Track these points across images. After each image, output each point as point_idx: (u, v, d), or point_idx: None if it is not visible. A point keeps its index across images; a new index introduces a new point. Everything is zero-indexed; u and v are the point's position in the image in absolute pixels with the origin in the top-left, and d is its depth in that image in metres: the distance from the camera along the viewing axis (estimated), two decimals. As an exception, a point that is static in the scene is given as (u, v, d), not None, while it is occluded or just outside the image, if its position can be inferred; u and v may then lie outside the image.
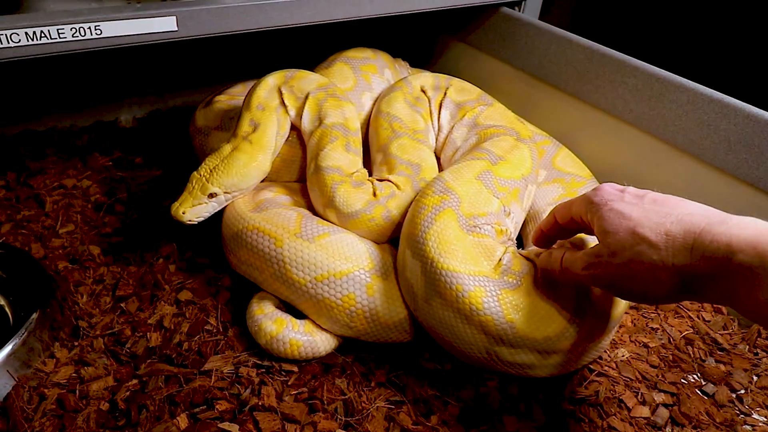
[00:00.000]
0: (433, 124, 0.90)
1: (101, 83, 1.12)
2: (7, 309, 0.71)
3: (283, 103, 0.80)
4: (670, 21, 1.49)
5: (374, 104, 0.91)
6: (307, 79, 0.82)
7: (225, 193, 0.74)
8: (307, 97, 0.80)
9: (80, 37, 0.63)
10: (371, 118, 0.88)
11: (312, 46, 1.05)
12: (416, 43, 1.27)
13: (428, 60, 1.26)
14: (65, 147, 1.05)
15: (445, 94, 0.90)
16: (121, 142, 1.08)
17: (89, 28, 0.63)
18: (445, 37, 1.21)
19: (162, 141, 1.09)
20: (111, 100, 1.15)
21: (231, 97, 0.94)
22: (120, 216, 0.89)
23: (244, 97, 0.81)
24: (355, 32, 1.06)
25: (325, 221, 0.74)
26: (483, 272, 0.63)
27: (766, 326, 0.55)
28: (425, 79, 0.92)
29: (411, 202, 0.74)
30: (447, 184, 0.71)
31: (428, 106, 0.89)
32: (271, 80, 0.81)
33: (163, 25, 0.68)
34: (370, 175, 0.83)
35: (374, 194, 0.76)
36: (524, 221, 0.83)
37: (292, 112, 0.81)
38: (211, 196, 0.73)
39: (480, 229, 0.68)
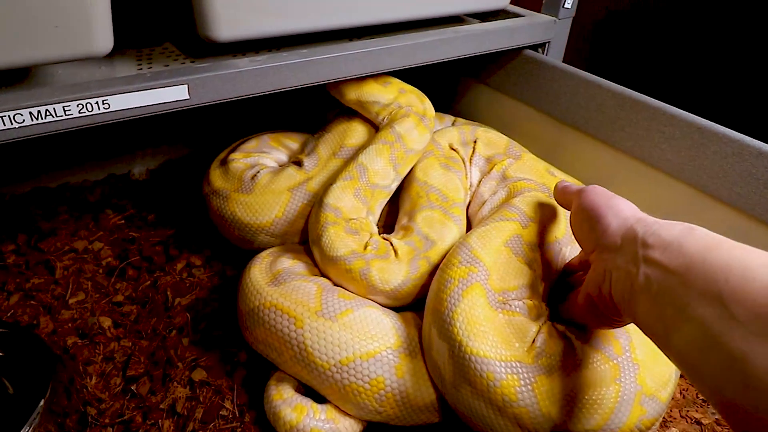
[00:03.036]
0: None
1: (113, 135, 1.10)
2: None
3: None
4: (681, 60, 1.44)
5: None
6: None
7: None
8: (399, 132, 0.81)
9: (87, 113, 0.60)
10: (405, 182, 0.84)
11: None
12: (437, 85, 1.23)
13: (449, 102, 1.22)
14: (77, 203, 1.02)
15: (474, 149, 0.86)
16: (133, 197, 1.05)
17: (96, 102, 0.60)
18: (466, 80, 1.17)
19: (175, 194, 1.06)
20: (124, 152, 1.12)
21: (247, 154, 0.89)
22: (131, 282, 0.85)
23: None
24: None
25: (347, 294, 0.69)
26: (516, 357, 0.57)
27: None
28: (451, 135, 0.88)
29: (396, 275, 0.69)
30: (474, 251, 0.66)
31: (463, 166, 0.85)
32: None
33: (174, 94, 0.64)
34: (390, 232, 0.79)
35: (365, 247, 0.71)
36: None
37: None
38: None
39: (510, 305, 0.62)
